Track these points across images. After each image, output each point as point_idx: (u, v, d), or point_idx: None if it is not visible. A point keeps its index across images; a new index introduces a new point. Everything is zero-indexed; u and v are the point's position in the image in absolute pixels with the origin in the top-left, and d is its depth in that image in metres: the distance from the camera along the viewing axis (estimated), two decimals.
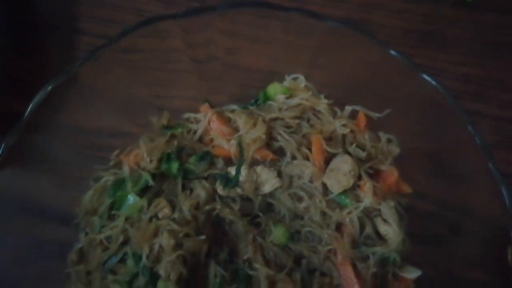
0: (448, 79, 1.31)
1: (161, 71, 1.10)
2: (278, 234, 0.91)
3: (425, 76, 0.85)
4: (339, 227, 0.92)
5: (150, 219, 0.88)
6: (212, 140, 0.99)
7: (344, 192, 0.91)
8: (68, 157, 1.02)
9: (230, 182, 0.92)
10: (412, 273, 0.95)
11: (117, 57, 0.97)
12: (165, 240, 0.84)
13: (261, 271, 0.88)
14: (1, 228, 0.92)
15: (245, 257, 0.91)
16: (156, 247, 0.85)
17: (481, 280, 1.02)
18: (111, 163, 0.99)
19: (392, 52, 0.87)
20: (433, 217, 1.04)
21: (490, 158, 0.83)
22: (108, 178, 0.96)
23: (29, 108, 0.83)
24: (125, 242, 0.89)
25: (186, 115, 1.03)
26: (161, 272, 0.84)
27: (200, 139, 1.00)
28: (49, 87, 0.83)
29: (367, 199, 0.89)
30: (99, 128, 1.05)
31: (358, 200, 0.91)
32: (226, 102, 1.08)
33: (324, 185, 0.92)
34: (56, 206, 1.00)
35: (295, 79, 1.03)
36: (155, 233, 0.86)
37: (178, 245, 0.85)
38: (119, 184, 0.93)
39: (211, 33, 0.96)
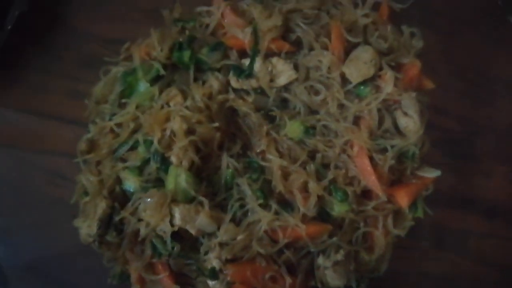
0: None
1: None
2: (292, 128, 0.88)
3: None
4: (356, 120, 0.88)
5: (162, 107, 0.85)
6: (225, 33, 0.94)
7: (364, 82, 0.87)
8: (79, 57, 1.00)
9: (244, 72, 0.88)
10: (431, 173, 0.91)
11: None
12: (177, 125, 0.81)
13: (275, 162, 0.85)
14: None
15: (258, 150, 0.88)
16: (168, 132, 0.82)
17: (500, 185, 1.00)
18: (122, 57, 0.96)
19: None
20: (452, 132, 1.00)
21: None
22: (118, 69, 0.92)
23: None
24: (135, 131, 0.87)
25: (198, 8, 0.97)
26: (173, 158, 0.82)
27: (213, 34, 0.95)
28: None
29: (388, 87, 0.85)
30: (111, 34, 1.01)
31: (378, 90, 0.87)
32: None
33: (343, 76, 0.88)
34: (67, 109, 0.98)
35: None
36: (167, 118, 0.83)
37: (190, 131, 0.82)
38: (129, 72, 0.90)
39: None
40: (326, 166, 0.88)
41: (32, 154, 0.94)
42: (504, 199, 1.02)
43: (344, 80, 0.88)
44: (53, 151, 0.94)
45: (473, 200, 1.00)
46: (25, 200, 0.95)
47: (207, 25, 0.96)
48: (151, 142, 0.83)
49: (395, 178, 0.89)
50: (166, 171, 0.82)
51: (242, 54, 0.92)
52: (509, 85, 1.04)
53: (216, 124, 0.83)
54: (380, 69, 0.88)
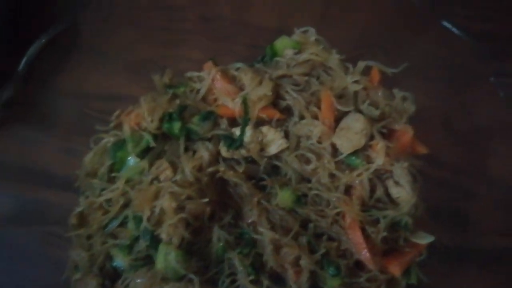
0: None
1: (165, 31, 1.05)
2: (284, 197, 0.87)
3: (446, 24, 0.77)
4: (348, 190, 0.88)
5: (151, 182, 0.85)
6: (216, 99, 0.94)
7: (355, 152, 0.86)
8: (69, 119, 1.00)
9: (234, 142, 0.88)
10: (424, 239, 0.90)
11: (119, 16, 0.93)
12: (166, 203, 0.81)
13: (266, 235, 0.84)
14: (3, 188, 0.91)
15: (249, 221, 0.87)
16: (157, 210, 0.82)
17: (497, 247, 0.98)
18: (112, 125, 0.96)
19: None
20: (448, 184, 0.99)
21: None
22: (109, 139, 0.92)
23: (23, 61, 0.79)
24: (125, 205, 0.87)
25: (189, 73, 0.97)
26: (163, 235, 0.82)
27: (204, 99, 0.95)
28: (43, 40, 0.78)
29: (380, 159, 0.84)
30: (102, 91, 1.03)
31: (369, 161, 0.86)
32: (232, 63, 1.02)
33: (334, 146, 0.87)
34: (59, 170, 0.98)
35: (305, 32, 0.96)
36: (156, 196, 0.83)
37: (180, 208, 0.82)
38: (119, 145, 0.90)
39: None
40: (318, 235, 0.87)
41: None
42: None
43: (335, 149, 0.87)
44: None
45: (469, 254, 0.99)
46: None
47: (198, 91, 0.96)
48: (141, 219, 0.82)
49: (388, 247, 0.88)
50: (156, 248, 0.82)
51: (233, 122, 0.91)
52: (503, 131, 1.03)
53: (206, 200, 0.83)
54: (372, 138, 0.87)
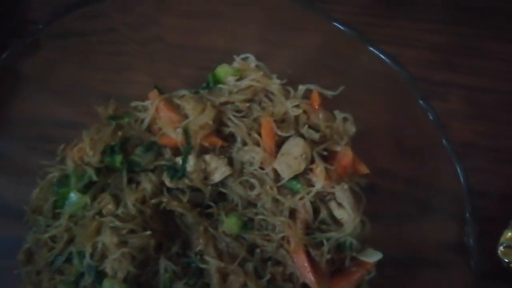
0: (417, 48, 1.24)
1: (106, 55, 1.05)
2: (230, 223, 0.88)
3: (372, 49, 0.80)
4: (292, 213, 0.88)
5: (94, 217, 0.85)
6: (161, 129, 0.94)
7: (296, 177, 0.87)
8: (16, 152, 0.99)
9: (177, 173, 0.88)
10: (372, 257, 0.91)
11: (55, 43, 0.93)
12: (107, 238, 0.81)
13: (212, 264, 0.85)
14: None
15: (197, 250, 0.88)
16: (100, 245, 0.82)
17: (450, 261, 0.99)
18: (58, 158, 0.96)
19: (337, 24, 0.81)
20: (400, 196, 1.00)
21: (444, 135, 0.78)
22: (54, 174, 0.92)
23: None
24: (70, 241, 0.86)
25: (133, 103, 0.98)
26: (107, 270, 0.82)
27: (149, 128, 0.96)
28: None
29: (319, 183, 0.85)
30: (47, 120, 1.02)
31: (310, 184, 0.87)
32: (180, 86, 1.03)
33: (276, 171, 0.88)
34: (7, 201, 0.97)
35: (245, 59, 0.97)
36: (98, 231, 0.83)
37: (122, 242, 0.82)
38: (63, 180, 0.90)
39: (147, 9, 0.91)
40: (265, 261, 0.88)
41: None
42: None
43: (278, 174, 0.88)
44: None
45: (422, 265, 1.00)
46: None
47: (142, 120, 0.96)
48: (84, 254, 0.82)
49: (335, 268, 0.89)
50: (101, 283, 0.82)
51: (176, 151, 0.92)
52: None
53: (149, 233, 0.83)
54: (312, 161, 0.88)
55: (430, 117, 0.78)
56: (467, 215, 0.80)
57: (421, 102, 0.78)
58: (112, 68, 1.05)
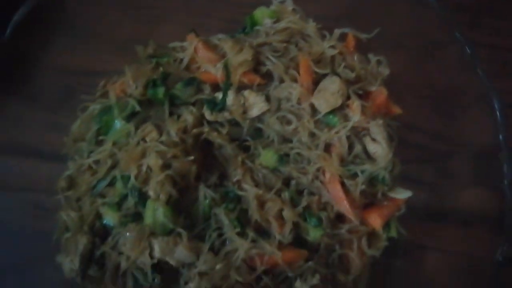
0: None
1: (148, 9, 1.08)
2: (266, 156, 0.91)
3: None
4: (327, 148, 0.92)
5: (138, 143, 0.88)
6: (199, 68, 0.98)
7: (332, 111, 0.90)
8: (55, 94, 1.02)
9: (217, 105, 0.91)
10: (402, 194, 0.94)
11: None
12: (152, 160, 0.84)
13: (251, 191, 0.88)
14: None
15: (234, 180, 0.91)
16: (144, 168, 0.85)
17: (474, 204, 1.03)
18: (98, 94, 0.99)
19: None
20: (423, 146, 1.03)
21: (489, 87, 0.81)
22: (95, 106, 0.95)
23: (8, 28, 0.82)
24: (113, 167, 0.89)
25: (172, 44, 1.01)
26: (150, 192, 0.85)
27: (187, 68, 0.99)
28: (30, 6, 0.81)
29: (356, 116, 0.88)
30: (87, 66, 1.05)
31: (346, 119, 0.90)
32: (217, 31, 1.05)
33: (313, 106, 0.91)
34: (45, 143, 1.00)
35: (282, 2, 1.00)
36: (143, 155, 0.86)
37: (166, 166, 0.85)
38: (106, 110, 0.93)
39: None
40: (300, 192, 0.91)
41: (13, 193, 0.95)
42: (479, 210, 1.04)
43: (314, 110, 0.91)
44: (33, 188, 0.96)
45: (447, 214, 1.03)
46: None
47: (181, 60, 0.99)
48: (128, 178, 0.85)
49: (368, 201, 0.92)
50: (144, 205, 0.85)
51: (216, 87, 0.95)
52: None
53: (192, 158, 0.86)
54: (348, 98, 0.91)
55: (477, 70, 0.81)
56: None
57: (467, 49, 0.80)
58: (151, 20, 1.08)
